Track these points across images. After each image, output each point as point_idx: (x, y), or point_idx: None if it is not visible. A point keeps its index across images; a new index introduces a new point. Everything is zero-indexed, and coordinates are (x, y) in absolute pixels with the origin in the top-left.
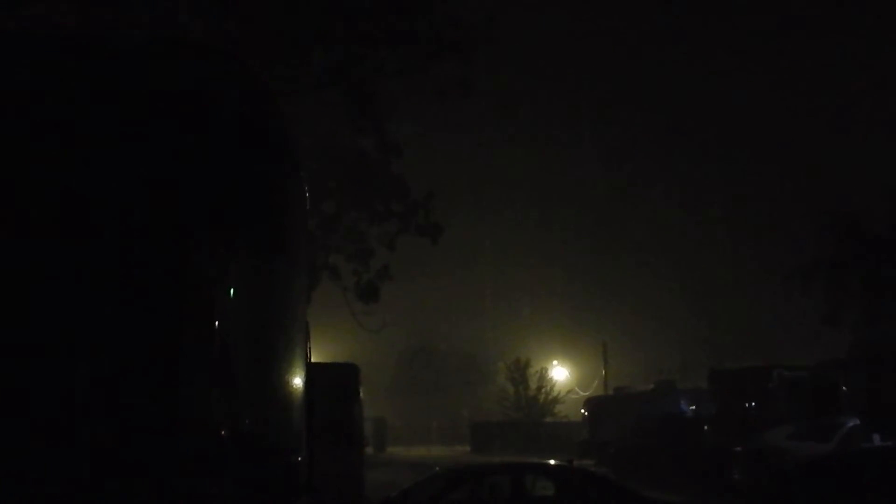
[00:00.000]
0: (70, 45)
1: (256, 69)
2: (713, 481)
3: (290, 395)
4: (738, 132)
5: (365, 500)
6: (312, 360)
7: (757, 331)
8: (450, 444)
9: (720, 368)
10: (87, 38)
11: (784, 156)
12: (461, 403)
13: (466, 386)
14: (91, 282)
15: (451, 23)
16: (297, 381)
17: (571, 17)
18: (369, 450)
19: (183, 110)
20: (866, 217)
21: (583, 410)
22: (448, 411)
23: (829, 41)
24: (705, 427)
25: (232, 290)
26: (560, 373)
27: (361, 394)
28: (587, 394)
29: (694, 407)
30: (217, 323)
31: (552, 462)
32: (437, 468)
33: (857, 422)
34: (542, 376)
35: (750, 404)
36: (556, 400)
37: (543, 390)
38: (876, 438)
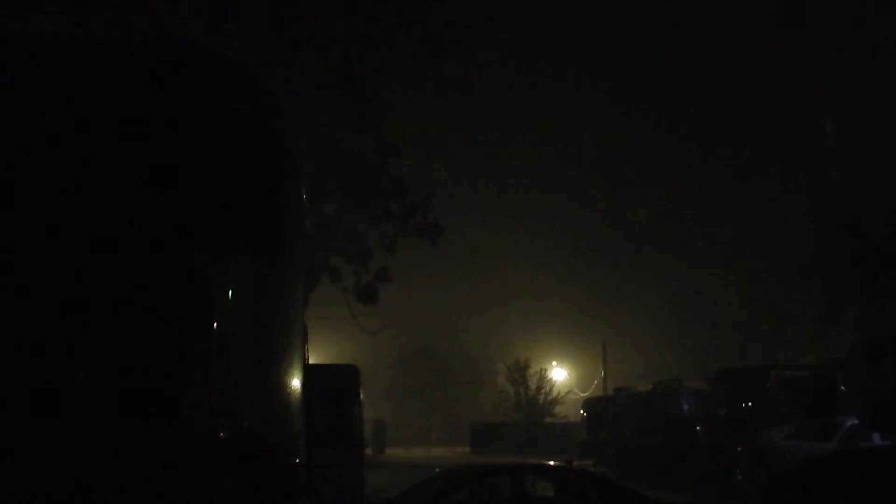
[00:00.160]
0: (70, 48)
1: (255, 70)
2: (713, 481)
3: (289, 396)
4: (737, 132)
5: (365, 502)
6: (312, 361)
7: (756, 331)
8: (449, 445)
9: (723, 368)
10: (87, 41)
11: (783, 155)
12: (461, 404)
13: (466, 387)
14: (90, 283)
15: (449, 23)
16: (296, 383)
17: (571, 17)
18: (369, 451)
19: (182, 112)
20: (865, 215)
21: (582, 411)
22: (447, 412)
23: (827, 40)
24: (698, 427)
25: (230, 292)
26: (559, 374)
27: (361, 395)
28: (586, 394)
29: (687, 407)
30: (216, 324)
31: (552, 463)
32: (437, 469)
33: (856, 421)
34: (542, 377)
35: (749, 404)
36: (555, 401)
37: (543, 391)
38: (875, 437)
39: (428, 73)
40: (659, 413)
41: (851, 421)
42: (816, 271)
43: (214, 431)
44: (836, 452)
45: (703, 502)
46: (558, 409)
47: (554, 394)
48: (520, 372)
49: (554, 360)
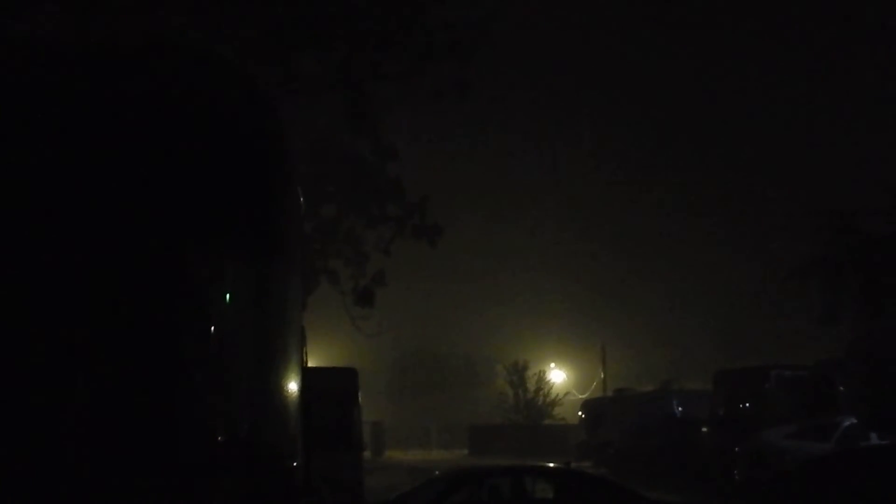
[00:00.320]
0: (67, 49)
1: (252, 72)
2: (712, 481)
3: (287, 399)
4: (734, 133)
5: None
6: (311, 364)
7: (756, 331)
8: (448, 447)
9: (723, 369)
10: (84, 43)
11: (781, 155)
12: (459, 407)
13: (464, 389)
14: (87, 286)
15: (447, 24)
16: (293, 386)
17: (570, 17)
18: (367, 453)
19: (179, 114)
20: (863, 215)
21: (580, 413)
22: (446, 414)
23: (825, 39)
24: (703, 429)
25: (228, 295)
26: (557, 375)
27: (360, 397)
28: (585, 396)
29: (685, 408)
30: (213, 327)
31: (551, 464)
32: (437, 471)
33: (854, 421)
34: (541, 379)
35: (749, 405)
36: (553, 402)
37: (541, 393)
38: (873, 437)
39: (426, 74)
40: (658, 414)
41: (849, 421)
42: (815, 271)
43: (213, 434)
44: (834, 452)
45: (702, 503)
46: (557, 410)
47: (552, 395)
48: (518, 374)
49: (552, 361)
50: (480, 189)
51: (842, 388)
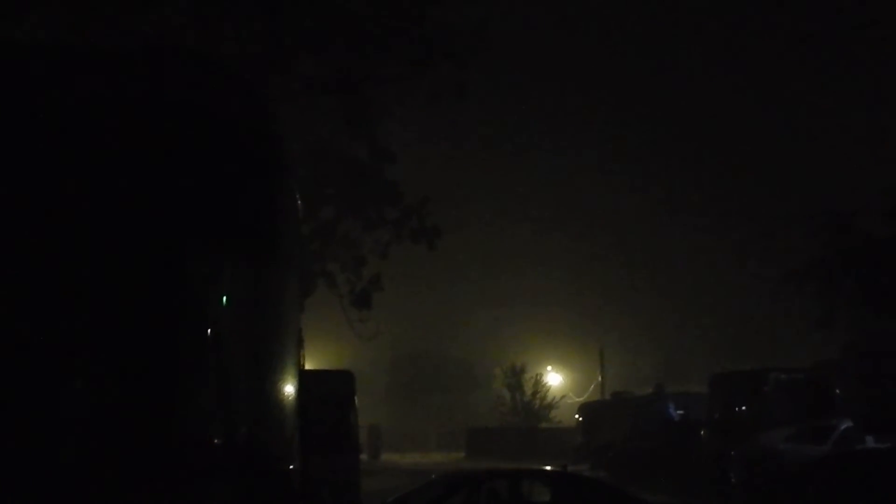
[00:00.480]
0: (64, 53)
1: (250, 76)
2: (710, 485)
3: (284, 402)
4: (732, 135)
5: None
6: (307, 367)
7: (753, 334)
8: (445, 450)
9: (719, 373)
10: (81, 47)
11: (779, 158)
12: (456, 409)
13: (462, 392)
14: (83, 289)
15: (444, 27)
16: (291, 389)
17: (569, 19)
18: (364, 456)
19: (175, 117)
20: (860, 217)
21: (577, 416)
22: (443, 417)
23: (822, 41)
24: (702, 431)
25: (225, 298)
26: (554, 378)
27: (356, 400)
28: (581, 399)
29: (682, 412)
30: (210, 331)
31: (548, 467)
32: (434, 475)
33: (851, 424)
34: (537, 381)
35: (746, 407)
36: (550, 405)
37: (538, 396)
38: (870, 440)
39: (423, 78)
40: (655, 417)
41: (846, 424)
42: (812, 273)
43: (209, 438)
44: (832, 455)
45: None
46: (553, 413)
47: (549, 398)
48: (516, 376)
49: (549, 364)
50: (479, 192)
51: (838, 391)
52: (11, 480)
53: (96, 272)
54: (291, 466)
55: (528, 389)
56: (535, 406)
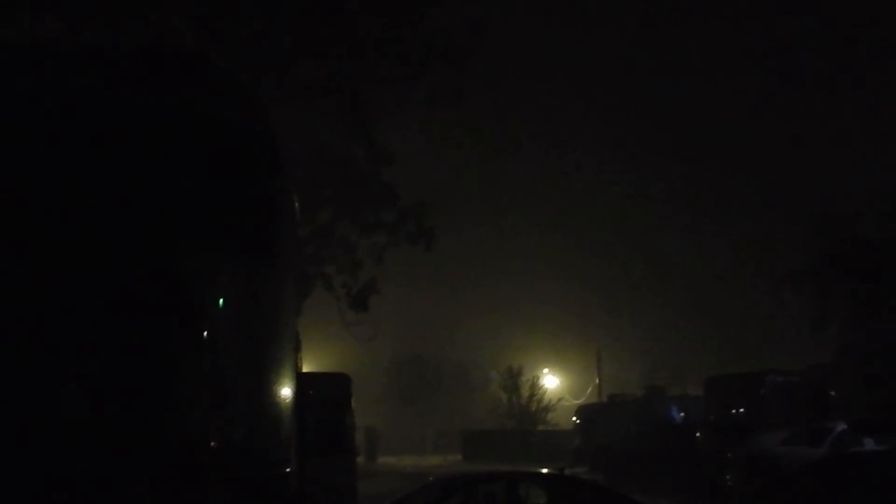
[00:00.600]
0: (60, 53)
1: (246, 77)
2: (706, 487)
3: (281, 405)
4: (729, 138)
5: None
6: (304, 369)
7: (750, 336)
8: (442, 452)
9: (714, 375)
10: (77, 47)
11: (774, 160)
12: (453, 412)
13: (458, 394)
14: (79, 291)
15: (442, 30)
16: (288, 391)
17: (568, 21)
18: (360, 459)
19: (171, 119)
20: (856, 220)
21: (574, 418)
22: (440, 420)
23: (820, 43)
24: (697, 434)
25: (221, 300)
26: (551, 381)
27: (353, 403)
28: (579, 402)
29: (682, 413)
30: (206, 333)
31: (545, 470)
32: (431, 477)
33: (847, 426)
34: (534, 384)
35: (742, 410)
36: (547, 408)
37: (535, 398)
38: (867, 443)
39: (420, 80)
40: (652, 420)
41: (842, 426)
42: (808, 276)
43: (205, 440)
44: (828, 458)
45: None
46: (550, 416)
47: (546, 401)
48: (512, 379)
49: (546, 367)
50: (476, 195)
51: (833, 393)
52: (9, 480)
53: (92, 273)
54: (288, 469)
55: (525, 392)
56: (532, 409)
